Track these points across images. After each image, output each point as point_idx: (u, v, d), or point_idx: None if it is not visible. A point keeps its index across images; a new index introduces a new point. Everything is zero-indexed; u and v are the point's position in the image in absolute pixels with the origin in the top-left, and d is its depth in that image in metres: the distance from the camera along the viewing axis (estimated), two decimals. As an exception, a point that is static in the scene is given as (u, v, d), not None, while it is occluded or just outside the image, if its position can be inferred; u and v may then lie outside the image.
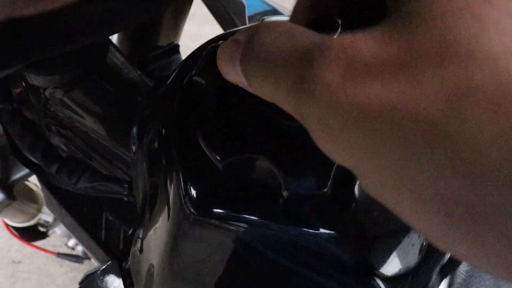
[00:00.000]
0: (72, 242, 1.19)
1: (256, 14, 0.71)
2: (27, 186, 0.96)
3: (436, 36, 0.12)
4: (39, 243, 1.16)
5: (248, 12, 0.65)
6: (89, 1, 0.15)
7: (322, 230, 0.26)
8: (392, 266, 0.28)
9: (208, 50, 0.30)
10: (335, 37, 0.14)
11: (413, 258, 0.29)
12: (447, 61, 0.11)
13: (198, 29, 1.88)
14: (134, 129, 0.35)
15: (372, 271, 0.27)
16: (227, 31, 0.33)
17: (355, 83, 0.13)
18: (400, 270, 0.28)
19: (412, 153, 0.12)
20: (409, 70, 0.12)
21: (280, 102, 0.16)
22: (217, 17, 0.74)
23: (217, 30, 0.74)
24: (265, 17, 0.31)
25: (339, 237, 0.26)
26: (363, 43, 0.13)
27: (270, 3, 0.74)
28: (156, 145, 0.32)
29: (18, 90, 0.51)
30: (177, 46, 0.50)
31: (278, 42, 0.16)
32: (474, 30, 0.11)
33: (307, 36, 0.16)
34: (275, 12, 0.72)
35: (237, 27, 0.68)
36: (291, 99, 0.15)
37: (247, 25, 0.18)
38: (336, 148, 0.14)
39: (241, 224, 0.27)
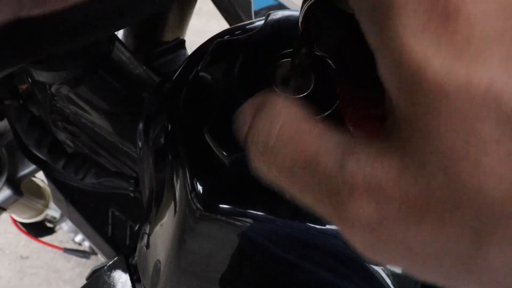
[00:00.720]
0: (79, 237, 1.19)
1: (262, 9, 0.71)
2: (34, 182, 0.97)
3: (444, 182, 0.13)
4: (46, 238, 1.17)
5: (254, 7, 0.65)
6: (98, 0, 0.15)
7: (328, 226, 0.26)
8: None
9: (214, 45, 0.29)
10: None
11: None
12: (461, 210, 0.13)
13: (204, 24, 1.88)
14: (140, 125, 0.35)
15: (379, 267, 0.27)
16: (232, 26, 0.33)
17: (391, 222, 0.14)
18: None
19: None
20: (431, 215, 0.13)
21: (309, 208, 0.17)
22: (223, 12, 0.74)
23: (223, 25, 0.74)
24: (271, 12, 0.30)
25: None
26: (387, 181, 0.14)
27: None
28: (162, 140, 0.32)
29: (24, 86, 0.51)
30: (183, 42, 0.50)
31: (289, 149, 0.16)
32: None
33: (321, 149, 0.16)
34: (281, 6, 0.71)
35: (242, 21, 0.68)
36: (327, 215, 0.16)
37: (253, 99, 0.19)
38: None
39: (248, 220, 0.26)
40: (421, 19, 0.12)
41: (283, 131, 0.17)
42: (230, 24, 0.73)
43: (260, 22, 0.31)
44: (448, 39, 0.12)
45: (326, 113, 0.25)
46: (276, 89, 0.26)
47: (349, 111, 0.23)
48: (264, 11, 0.71)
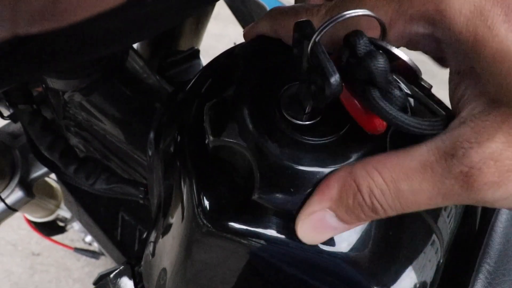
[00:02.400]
0: (89, 238, 1.20)
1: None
2: (47, 182, 0.98)
3: None
4: (57, 237, 1.18)
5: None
6: (102, 17, 0.14)
7: (337, 250, 0.25)
8: (407, 282, 0.27)
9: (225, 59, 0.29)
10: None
11: (430, 274, 0.28)
12: None
13: (222, 29, 1.89)
14: (151, 135, 0.35)
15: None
16: (245, 42, 0.32)
17: None
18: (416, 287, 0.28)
19: None
20: None
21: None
22: (239, 19, 0.74)
23: (241, 31, 0.74)
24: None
25: (355, 257, 0.25)
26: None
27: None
28: (172, 150, 0.32)
29: (38, 90, 0.52)
30: (197, 51, 0.50)
31: (398, 177, 0.21)
32: None
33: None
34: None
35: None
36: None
37: (318, 192, 0.24)
38: None
39: (256, 240, 0.26)
40: None
41: (385, 176, 0.21)
42: (246, 30, 0.73)
43: None
44: None
45: (341, 133, 0.25)
46: (285, 114, 0.26)
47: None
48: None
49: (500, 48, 0.18)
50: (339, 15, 0.21)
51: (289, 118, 0.26)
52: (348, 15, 0.21)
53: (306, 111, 0.25)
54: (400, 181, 0.20)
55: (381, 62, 0.20)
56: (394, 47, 0.22)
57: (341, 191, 0.22)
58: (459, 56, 0.20)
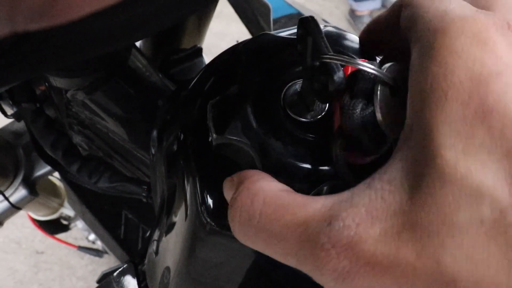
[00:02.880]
0: (92, 236, 1.21)
1: (281, 17, 0.71)
2: (50, 180, 0.98)
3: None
4: (61, 235, 1.18)
5: (273, 15, 0.65)
6: (103, 14, 0.14)
7: None
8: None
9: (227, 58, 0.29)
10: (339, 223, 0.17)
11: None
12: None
13: (224, 27, 1.89)
14: (154, 133, 0.35)
15: None
16: (246, 40, 0.32)
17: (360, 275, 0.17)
18: None
19: None
20: None
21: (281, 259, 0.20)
22: (242, 17, 0.74)
23: (244, 29, 0.74)
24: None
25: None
26: (366, 244, 0.17)
27: (294, 5, 0.73)
28: (175, 148, 0.31)
29: (41, 88, 0.52)
30: (200, 49, 0.49)
31: (275, 218, 0.19)
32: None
33: (304, 215, 0.18)
34: (300, 15, 0.71)
35: (262, 28, 0.67)
36: (307, 267, 0.18)
37: (237, 175, 0.23)
38: None
39: None
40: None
41: (265, 209, 0.19)
42: (249, 29, 0.73)
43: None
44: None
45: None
46: (288, 111, 0.26)
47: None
48: (284, 20, 0.70)
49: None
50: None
51: (292, 115, 0.25)
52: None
53: (310, 108, 0.25)
54: (273, 222, 0.19)
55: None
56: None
57: (237, 186, 0.22)
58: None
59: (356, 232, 0.17)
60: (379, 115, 0.20)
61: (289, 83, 0.27)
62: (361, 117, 0.20)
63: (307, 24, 0.22)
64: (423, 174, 0.16)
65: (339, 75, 0.20)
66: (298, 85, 0.26)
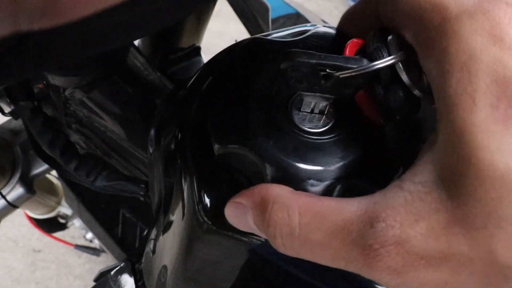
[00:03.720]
0: (90, 235, 1.20)
1: (279, 17, 0.71)
2: (47, 179, 0.98)
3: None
4: (58, 234, 1.18)
5: (272, 15, 0.65)
6: (105, 14, 0.14)
7: None
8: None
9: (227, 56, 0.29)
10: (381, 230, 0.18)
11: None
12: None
13: (223, 26, 1.89)
14: (152, 132, 0.35)
15: None
16: (245, 39, 0.32)
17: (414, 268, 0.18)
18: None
19: None
20: None
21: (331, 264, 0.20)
22: (241, 17, 0.74)
23: (242, 28, 0.74)
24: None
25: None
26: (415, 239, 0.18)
27: (292, 5, 0.73)
28: (172, 147, 0.31)
29: (39, 86, 0.52)
30: (199, 48, 0.49)
31: (315, 226, 0.20)
32: None
33: (342, 218, 0.19)
34: (298, 15, 0.71)
35: (260, 27, 0.67)
36: (359, 269, 0.19)
37: (250, 190, 0.23)
38: None
39: (256, 237, 0.26)
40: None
41: (303, 220, 0.20)
42: (248, 28, 0.73)
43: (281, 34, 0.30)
44: None
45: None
46: (297, 114, 0.25)
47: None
48: (282, 20, 0.70)
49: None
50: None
51: (302, 126, 0.25)
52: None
53: (322, 121, 0.25)
54: (314, 231, 0.19)
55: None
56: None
57: (262, 204, 0.22)
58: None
59: (402, 231, 0.18)
60: (406, 79, 0.22)
61: (296, 93, 0.26)
62: (400, 92, 0.22)
63: (299, 56, 0.22)
64: (460, 175, 0.17)
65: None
66: (307, 96, 0.25)
